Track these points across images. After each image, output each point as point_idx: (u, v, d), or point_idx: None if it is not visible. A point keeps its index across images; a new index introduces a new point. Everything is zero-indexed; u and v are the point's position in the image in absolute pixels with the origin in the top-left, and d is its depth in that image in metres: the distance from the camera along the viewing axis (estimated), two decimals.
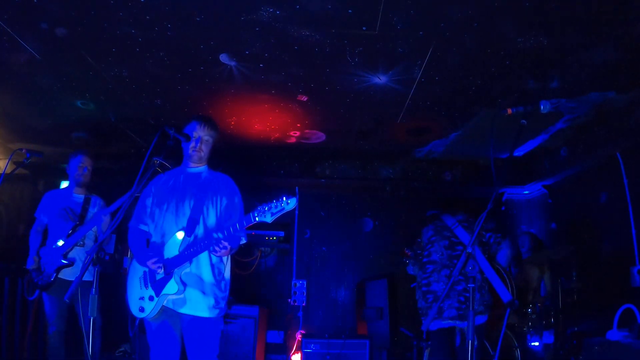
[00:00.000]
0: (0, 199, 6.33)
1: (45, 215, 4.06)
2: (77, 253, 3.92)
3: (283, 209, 2.46)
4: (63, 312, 3.90)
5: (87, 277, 3.73)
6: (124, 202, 2.98)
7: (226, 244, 2.57)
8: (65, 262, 3.82)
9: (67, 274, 3.87)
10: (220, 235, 2.57)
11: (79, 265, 3.89)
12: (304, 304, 5.91)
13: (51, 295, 3.85)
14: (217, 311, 2.76)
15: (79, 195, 4.10)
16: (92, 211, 4.08)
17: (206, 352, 2.71)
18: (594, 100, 3.95)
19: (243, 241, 2.83)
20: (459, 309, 3.41)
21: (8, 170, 4.00)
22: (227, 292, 2.86)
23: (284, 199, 2.45)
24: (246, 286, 6.12)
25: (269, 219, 2.48)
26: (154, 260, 2.66)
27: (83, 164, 4.06)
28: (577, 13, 2.80)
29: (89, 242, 4.03)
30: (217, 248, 2.59)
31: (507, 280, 3.72)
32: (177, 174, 2.96)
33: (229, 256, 2.88)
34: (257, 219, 2.50)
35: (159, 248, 2.76)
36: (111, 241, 5.73)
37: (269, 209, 2.47)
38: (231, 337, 5.14)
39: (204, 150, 2.90)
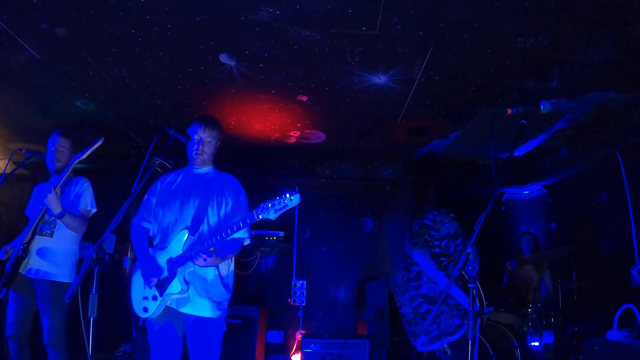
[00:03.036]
0: (0, 199, 6.33)
1: (29, 211, 3.60)
2: (42, 244, 3.39)
3: (287, 205, 2.45)
4: (25, 314, 3.36)
5: (61, 278, 3.38)
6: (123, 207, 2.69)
7: (204, 257, 2.55)
8: (20, 253, 3.29)
9: (28, 271, 3.33)
10: (204, 252, 2.56)
11: (49, 259, 3.37)
12: (304, 304, 5.91)
13: (15, 292, 3.37)
14: (219, 312, 2.76)
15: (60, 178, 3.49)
16: (71, 193, 3.50)
17: (208, 353, 2.71)
18: (594, 100, 3.95)
19: (246, 242, 2.83)
20: (427, 333, 3.18)
21: (8, 170, 3.99)
22: (230, 292, 2.85)
23: (287, 195, 2.44)
24: (246, 286, 6.12)
25: (272, 215, 2.46)
26: (152, 280, 2.69)
27: (54, 147, 3.51)
28: (577, 13, 2.80)
29: (62, 232, 3.43)
30: (197, 262, 2.60)
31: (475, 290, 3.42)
32: (183, 175, 2.96)
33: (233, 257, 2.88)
34: (260, 216, 2.49)
35: (158, 262, 2.75)
36: (111, 241, 5.73)
37: (272, 205, 2.46)
38: (231, 337, 5.13)
39: (207, 152, 2.88)
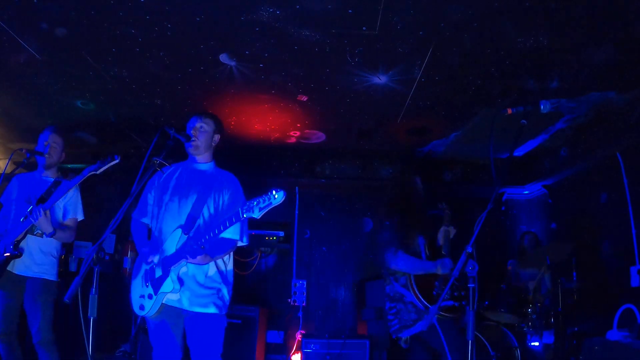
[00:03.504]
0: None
1: (5, 199, 3.58)
2: (33, 243, 3.41)
3: (271, 203, 2.39)
4: (12, 312, 3.37)
5: (50, 276, 3.44)
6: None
7: (194, 255, 2.56)
8: (15, 252, 3.31)
9: (19, 268, 3.36)
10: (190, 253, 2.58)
11: (38, 259, 3.42)
12: (304, 304, 5.90)
13: (0, 290, 3.37)
14: (220, 308, 2.76)
15: (48, 178, 3.58)
16: (60, 200, 3.50)
17: (209, 350, 2.70)
18: (594, 100, 3.95)
19: (243, 243, 2.82)
20: (392, 326, 3.66)
21: (8, 170, 3.99)
22: (230, 289, 2.86)
23: (273, 192, 2.38)
24: (246, 286, 6.11)
25: (257, 214, 2.40)
26: (149, 256, 2.73)
27: (47, 142, 3.55)
28: (577, 13, 2.80)
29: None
30: (189, 261, 2.61)
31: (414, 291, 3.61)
32: (182, 169, 2.97)
33: (231, 253, 2.89)
34: (244, 215, 2.44)
35: (158, 243, 2.77)
36: (111, 241, 5.73)
37: (257, 204, 2.40)
38: (231, 337, 5.13)
39: (199, 138, 2.90)
